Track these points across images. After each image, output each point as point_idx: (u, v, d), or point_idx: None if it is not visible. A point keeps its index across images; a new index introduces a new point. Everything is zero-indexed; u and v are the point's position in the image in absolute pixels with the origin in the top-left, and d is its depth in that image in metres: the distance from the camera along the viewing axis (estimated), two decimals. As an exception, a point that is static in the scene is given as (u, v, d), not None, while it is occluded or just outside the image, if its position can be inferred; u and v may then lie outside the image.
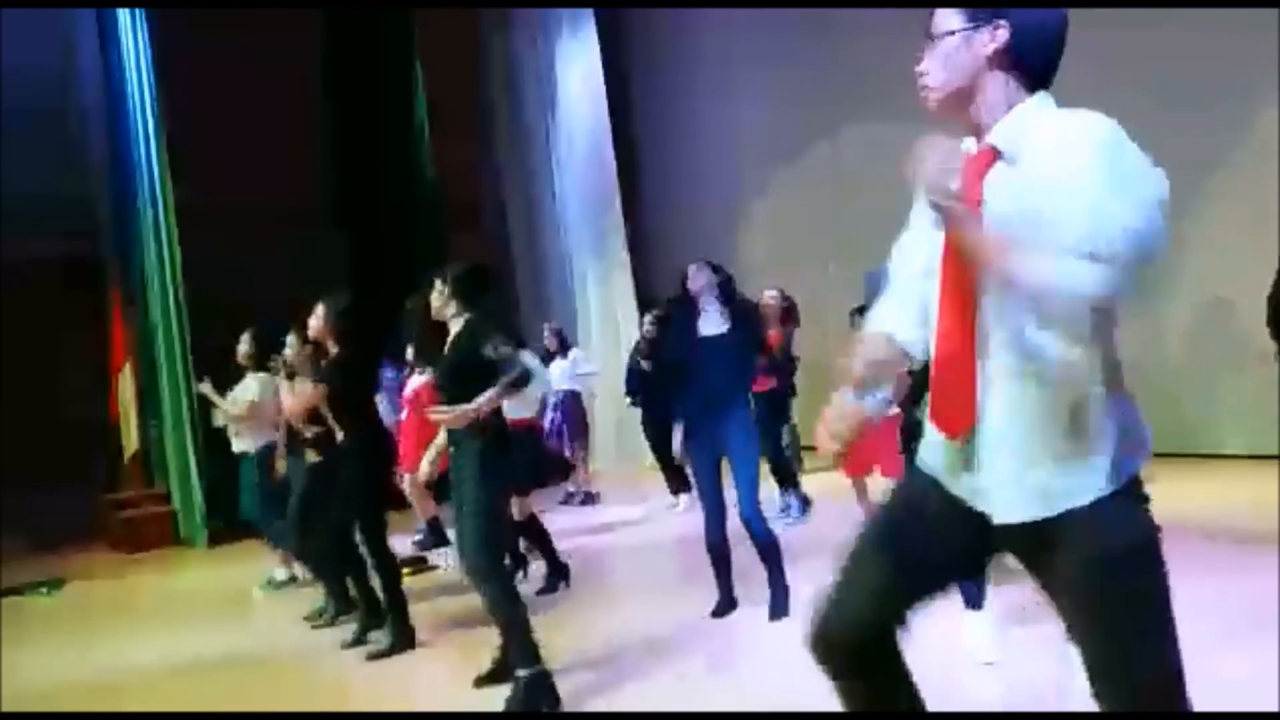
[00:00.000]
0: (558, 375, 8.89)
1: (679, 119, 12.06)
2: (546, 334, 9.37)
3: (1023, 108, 1.84)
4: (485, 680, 4.22)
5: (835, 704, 2.08)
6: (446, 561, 6.68)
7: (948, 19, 1.85)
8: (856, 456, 5.29)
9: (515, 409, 5.10)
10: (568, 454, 9.04)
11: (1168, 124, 7.44)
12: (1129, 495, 1.76)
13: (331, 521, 5.20)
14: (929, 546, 1.92)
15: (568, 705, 3.90)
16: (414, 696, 4.39)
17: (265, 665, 5.17)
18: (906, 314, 1.96)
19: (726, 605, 5.00)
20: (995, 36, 1.81)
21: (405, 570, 6.02)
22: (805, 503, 7.26)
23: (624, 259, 11.65)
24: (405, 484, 7.17)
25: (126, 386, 9.97)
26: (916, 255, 1.94)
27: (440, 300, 4.12)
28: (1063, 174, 1.63)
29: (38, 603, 7.74)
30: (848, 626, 1.94)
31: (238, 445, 6.86)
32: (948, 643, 3.72)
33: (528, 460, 5.77)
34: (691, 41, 11.76)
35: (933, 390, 1.87)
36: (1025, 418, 1.76)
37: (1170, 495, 5.14)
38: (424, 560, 6.91)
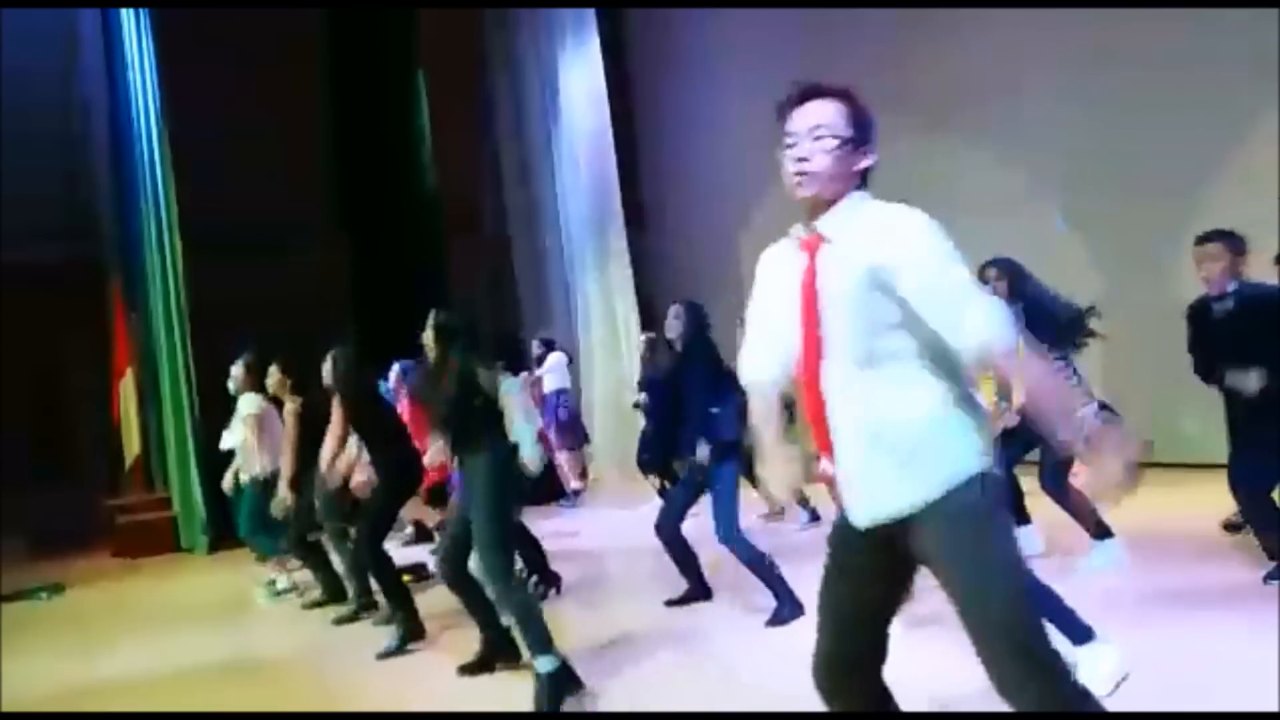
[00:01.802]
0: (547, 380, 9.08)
1: (681, 121, 12.05)
2: (535, 346, 9.46)
3: (849, 202, 2.20)
4: (470, 669, 4.43)
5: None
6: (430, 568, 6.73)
7: (839, 125, 2.18)
8: None
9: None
10: (557, 456, 9.12)
11: (1168, 124, 7.46)
12: (968, 486, 2.09)
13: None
14: (860, 574, 2.24)
15: (570, 701, 3.91)
16: (413, 700, 4.38)
17: (265, 671, 5.16)
18: (767, 353, 2.35)
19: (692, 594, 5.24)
20: (867, 158, 2.22)
21: (405, 577, 6.02)
22: (813, 514, 7.26)
23: (625, 261, 11.64)
24: None
25: (128, 392, 9.96)
26: (773, 311, 2.32)
27: (430, 344, 4.46)
28: (919, 256, 2.08)
29: (37, 607, 7.73)
30: (824, 665, 2.27)
31: (245, 475, 6.86)
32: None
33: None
34: (693, 43, 11.76)
35: (806, 419, 2.25)
36: (873, 436, 2.14)
37: (1176, 506, 5.17)
38: (423, 568, 6.90)
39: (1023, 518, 5.23)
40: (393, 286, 11.09)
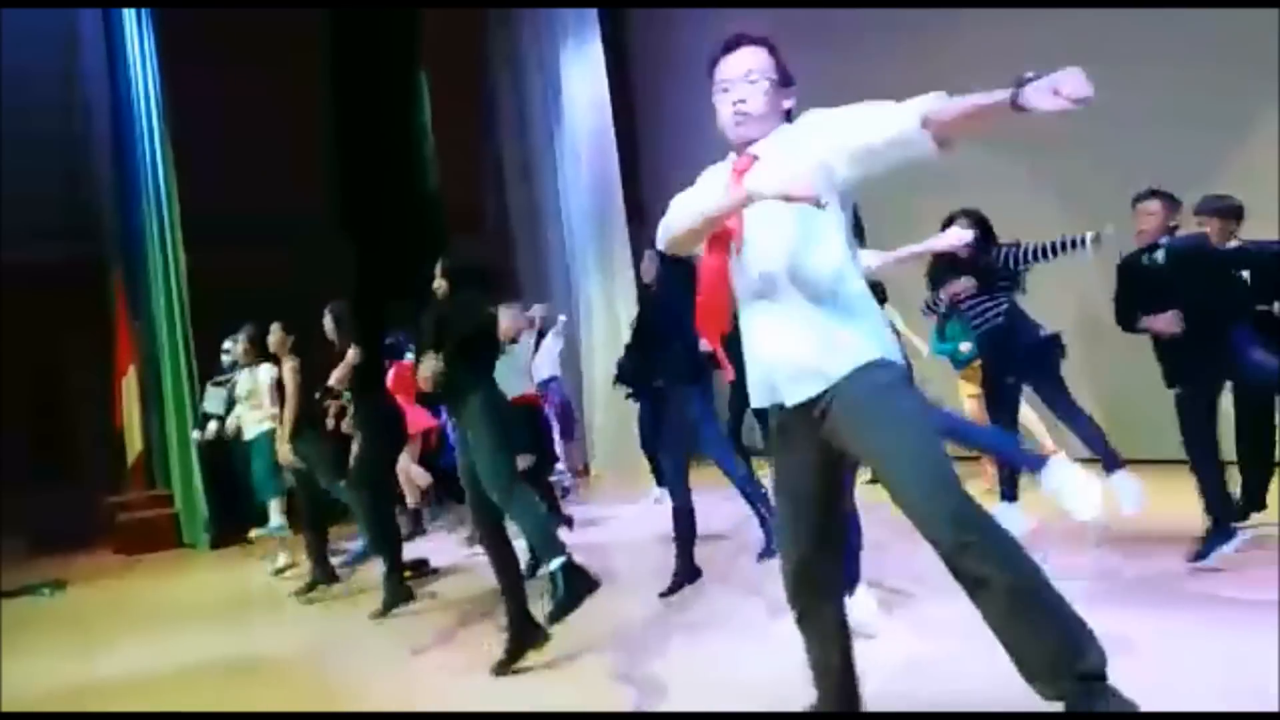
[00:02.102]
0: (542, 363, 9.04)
1: (682, 119, 12.04)
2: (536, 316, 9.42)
3: (777, 131, 2.51)
4: (502, 667, 4.32)
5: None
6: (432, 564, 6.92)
7: (768, 68, 2.51)
8: None
9: (513, 385, 5.50)
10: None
11: (1168, 124, 7.47)
12: (877, 365, 2.34)
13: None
14: (800, 469, 2.48)
15: (570, 701, 3.91)
16: (415, 698, 4.38)
17: (267, 668, 5.16)
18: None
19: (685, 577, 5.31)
20: (790, 97, 2.56)
21: (406, 574, 6.06)
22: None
23: (627, 260, 11.64)
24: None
25: (130, 389, 9.98)
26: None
27: (440, 285, 4.60)
28: (832, 120, 2.42)
29: (39, 604, 7.75)
30: (787, 562, 2.55)
31: (249, 433, 7.33)
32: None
33: (530, 431, 6.24)
34: (695, 42, 11.72)
35: (700, 311, 2.50)
36: (790, 320, 2.38)
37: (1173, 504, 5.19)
38: (425, 563, 6.92)
39: (1012, 493, 5.32)
40: (395, 285, 11.08)
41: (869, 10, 9.22)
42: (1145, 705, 2.24)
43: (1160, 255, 4.81)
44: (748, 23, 10.65)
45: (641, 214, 12.06)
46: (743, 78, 2.46)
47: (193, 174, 9.98)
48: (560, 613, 4.04)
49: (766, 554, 5.19)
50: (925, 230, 4.79)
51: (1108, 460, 5.20)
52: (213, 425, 8.00)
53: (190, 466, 9.55)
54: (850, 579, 4.21)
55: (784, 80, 2.49)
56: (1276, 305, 5.11)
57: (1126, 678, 2.28)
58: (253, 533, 7.70)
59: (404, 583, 5.63)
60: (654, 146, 12.54)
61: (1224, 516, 4.66)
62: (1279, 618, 3.69)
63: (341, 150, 11.76)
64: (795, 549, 2.51)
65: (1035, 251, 5.25)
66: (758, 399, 2.51)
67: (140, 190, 9.76)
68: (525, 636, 4.37)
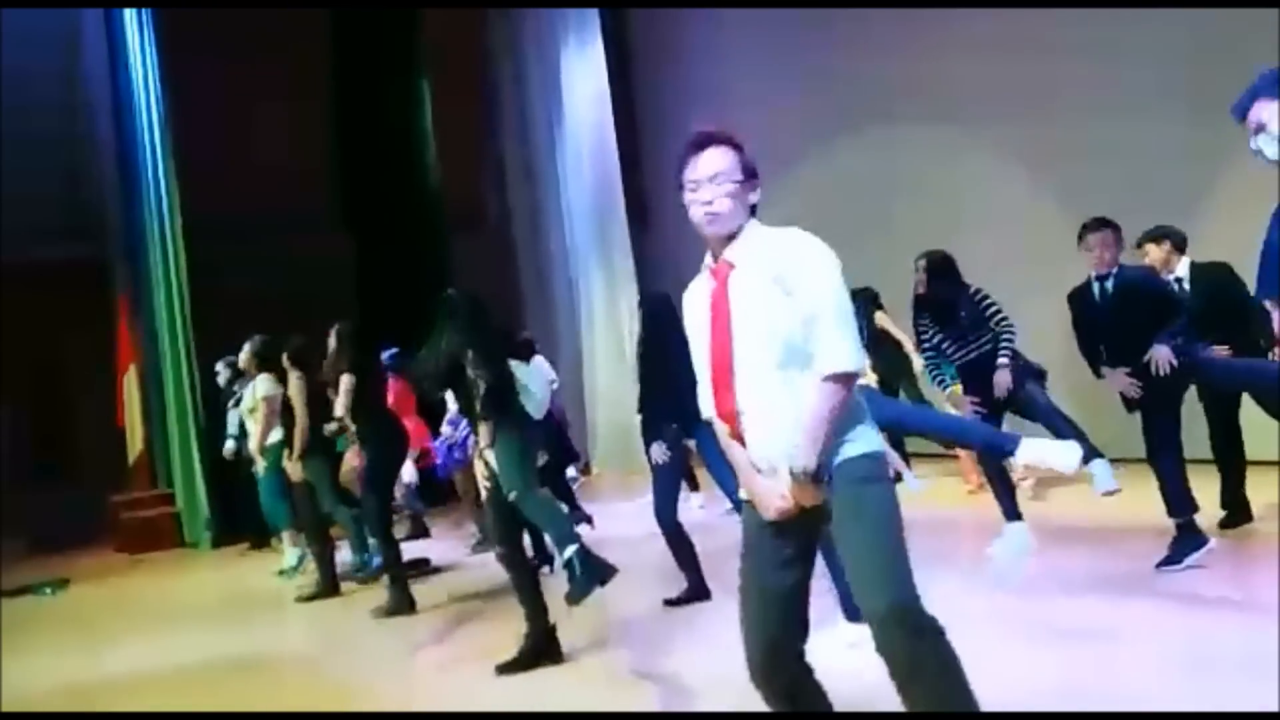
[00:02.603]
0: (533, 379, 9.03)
1: (683, 119, 12.05)
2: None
3: (747, 231, 2.57)
4: (509, 667, 4.35)
5: (834, 682, 2.53)
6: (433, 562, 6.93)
7: (733, 167, 2.54)
8: None
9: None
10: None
11: (1168, 125, 7.47)
12: (861, 460, 2.42)
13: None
14: (776, 551, 2.50)
15: (575, 698, 3.91)
16: (415, 697, 4.39)
17: (268, 667, 5.17)
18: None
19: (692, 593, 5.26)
20: (755, 191, 2.60)
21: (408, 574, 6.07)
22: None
23: (628, 259, 11.65)
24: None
25: (132, 388, 9.99)
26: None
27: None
28: (807, 281, 2.42)
29: (41, 603, 7.76)
30: (759, 654, 2.52)
31: (253, 444, 7.29)
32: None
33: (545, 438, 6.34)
34: (696, 42, 11.77)
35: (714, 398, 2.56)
36: (780, 426, 2.42)
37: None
38: (426, 562, 6.94)
39: (1014, 514, 5.37)
40: (396, 285, 11.09)
41: (868, 10, 9.21)
42: (1139, 701, 2.25)
43: (1110, 284, 4.94)
44: (758, 24, 10.54)
45: (643, 213, 12.08)
46: (709, 180, 2.52)
47: (194, 174, 9.99)
48: (580, 593, 4.16)
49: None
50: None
51: (1008, 512, 5.43)
52: (230, 445, 8.20)
53: (192, 465, 9.56)
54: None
55: (748, 175, 2.57)
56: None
57: (1115, 670, 2.29)
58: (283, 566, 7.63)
59: (408, 590, 5.66)
60: (655, 145, 12.54)
61: (1189, 523, 4.70)
62: (1279, 617, 3.70)
63: (342, 150, 11.76)
64: (764, 635, 2.52)
65: (991, 320, 5.45)
66: (744, 490, 2.58)
67: (141, 190, 9.75)
68: (542, 652, 4.42)
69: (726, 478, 5.12)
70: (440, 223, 11.78)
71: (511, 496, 4.37)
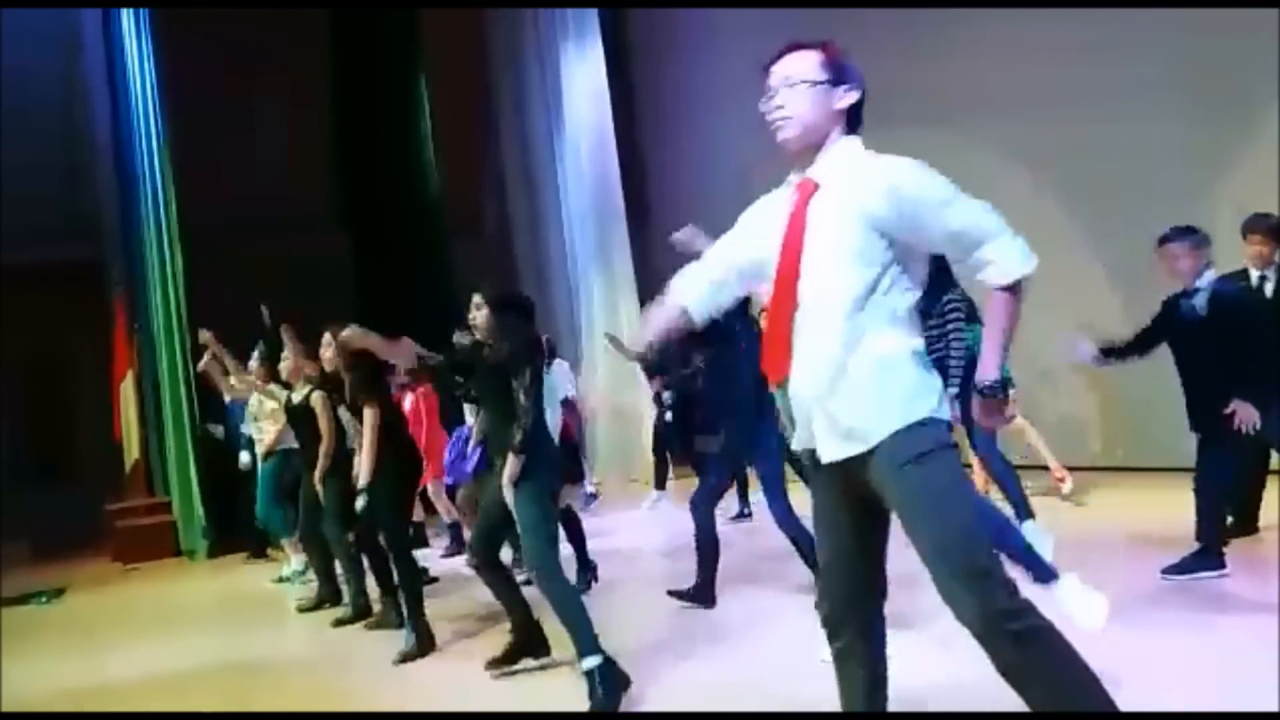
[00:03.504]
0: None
1: (683, 120, 12.01)
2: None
3: (840, 147, 2.34)
4: (498, 662, 4.40)
5: (838, 703, 2.46)
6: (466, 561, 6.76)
7: (810, 68, 2.33)
8: None
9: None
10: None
11: (1169, 125, 7.41)
12: (920, 425, 2.22)
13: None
14: (838, 522, 2.39)
15: (575, 705, 3.89)
16: (413, 705, 4.35)
17: (265, 676, 5.13)
18: (703, 282, 2.55)
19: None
20: (847, 95, 2.34)
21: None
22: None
23: (628, 261, 11.61)
24: (430, 492, 7.51)
25: (128, 395, 9.94)
26: (728, 256, 2.54)
27: (481, 321, 4.44)
28: (928, 200, 2.22)
29: (37, 611, 7.71)
30: (828, 601, 2.44)
31: (261, 448, 7.21)
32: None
33: (568, 462, 6.28)
34: (696, 42, 11.72)
35: (769, 347, 2.37)
36: (839, 372, 2.25)
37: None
38: (425, 570, 6.86)
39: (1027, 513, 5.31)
40: (396, 286, 11.06)
41: (868, 10, 9.15)
42: (1145, 705, 2.21)
43: (1201, 301, 4.58)
44: (758, 25, 10.53)
45: (642, 213, 12.03)
46: (781, 83, 2.35)
47: (192, 176, 9.94)
48: (598, 708, 3.87)
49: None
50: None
51: (1019, 510, 5.32)
52: (245, 458, 8.08)
53: (188, 474, 9.51)
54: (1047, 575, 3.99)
55: (836, 79, 2.33)
56: None
57: (1130, 679, 2.24)
58: (282, 573, 7.56)
59: (428, 630, 5.10)
60: (655, 146, 12.50)
61: (1214, 549, 4.62)
62: (1279, 618, 3.69)
63: (341, 151, 11.73)
64: (833, 589, 2.43)
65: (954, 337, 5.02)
66: (796, 440, 2.41)
67: (140, 192, 9.70)
68: (528, 647, 4.43)
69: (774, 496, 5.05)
70: (439, 225, 11.75)
71: (533, 576, 4.09)
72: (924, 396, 2.26)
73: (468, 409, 7.14)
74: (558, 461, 4.44)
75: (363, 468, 5.10)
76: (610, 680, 3.90)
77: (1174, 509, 5.05)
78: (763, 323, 2.53)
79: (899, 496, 2.23)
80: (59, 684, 5.34)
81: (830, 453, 2.30)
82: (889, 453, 2.22)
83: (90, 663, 5.80)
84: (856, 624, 2.42)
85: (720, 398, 5.23)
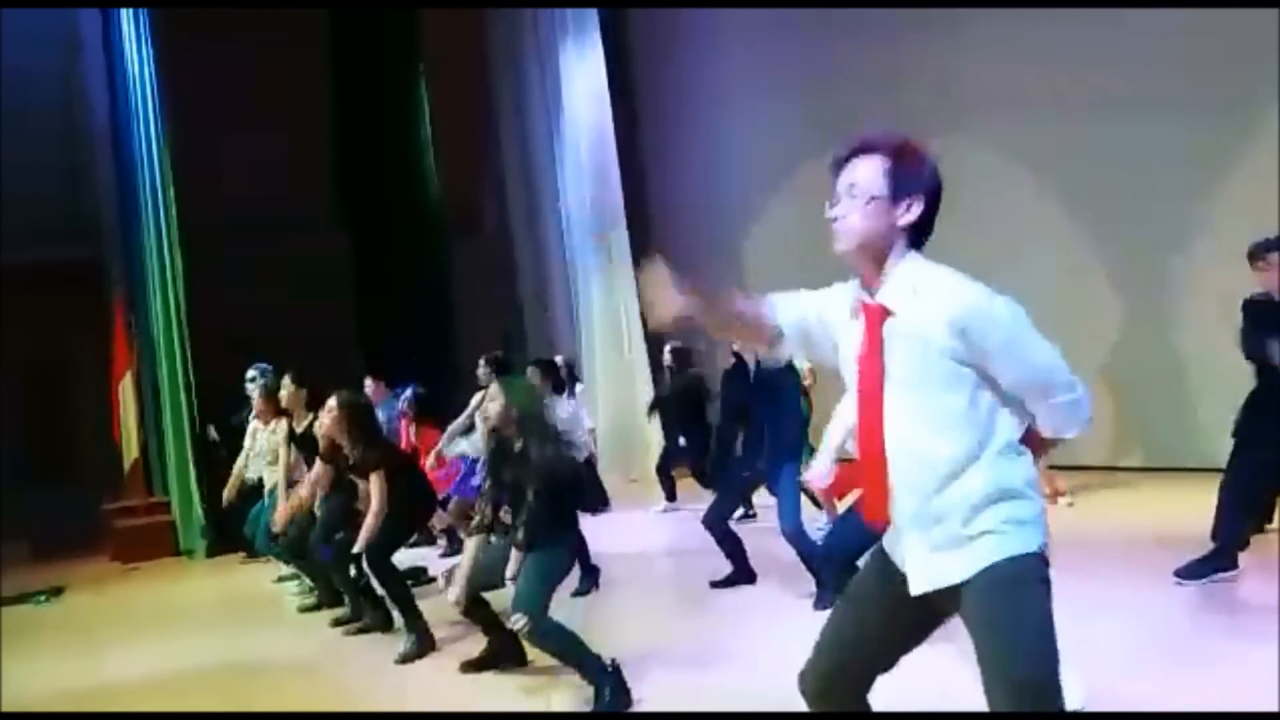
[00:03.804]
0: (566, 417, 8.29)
1: (683, 120, 12.01)
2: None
3: (903, 269, 2.15)
4: (471, 666, 4.52)
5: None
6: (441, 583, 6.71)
7: (874, 179, 2.15)
8: (840, 482, 5.81)
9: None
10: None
11: (1170, 127, 7.41)
12: (1014, 561, 2.08)
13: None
14: (883, 621, 2.24)
15: (583, 701, 3.89)
16: (411, 706, 4.36)
17: (263, 675, 5.12)
18: (808, 319, 2.34)
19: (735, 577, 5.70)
20: (910, 211, 2.15)
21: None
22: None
23: (627, 261, 11.59)
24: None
25: (127, 395, 9.92)
26: (819, 308, 2.33)
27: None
28: (993, 345, 2.07)
29: (36, 611, 7.69)
30: (819, 679, 2.29)
31: (269, 478, 6.93)
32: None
33: (580, 492, 6.23)
34: (696, 43, 11.72)
35: (863, 487, 2.24)
36: (925, 509, 2.12)
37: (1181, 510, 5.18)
38: (424, 571, 6.86)
39: None
40: (396, 286, 11.07)
41: (869, 10, 9.15)
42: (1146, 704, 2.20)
43: None
44: (758, 25, 10.44)
45: (642, 213, 12.03)
46: (846, 191, 2.19)
47: (192, 176, 9.93)
48: (600, 712, 3.89)
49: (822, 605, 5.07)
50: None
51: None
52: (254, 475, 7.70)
53: (187, 473, 9.49)
54: None
55: (897, 193, 2.15)
56: None
57: (1129, 679, 2.24)
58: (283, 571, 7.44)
59: (428, 632, 5.12)
60: (655, 147, 12.50)
61: (1230, 555, 4.58)
62: (1279, 618, 3.67)
63: (341, 151, 11.74)
64: (835, 663, 2.29)
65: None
66: (890, 546, 2.27)
67: (139, 192, 9.68)
68: (505, 656, 4.52)
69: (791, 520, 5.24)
70: (439, 226, 11.76)
71: (520, 624, 3.94)
72: (1036, 529, 2.12)
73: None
74: (571, 549, 4.42)
75: (364, 532, 5.07)
76: (614, 693, 3.90)
77: (1179, 509, 5.04)
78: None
79: (981, 619, 2.09)
80: (58, 684, 5.34)
81: (922, 585, 2.16)
82: (986, 575, 2.08)
83: (89, 662, 5.79)
84: (847, 702, 2.32)
85: (753, 421, 5.57)
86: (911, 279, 2.14)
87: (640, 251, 11.73)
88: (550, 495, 4.11)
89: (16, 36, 10.22)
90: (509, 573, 4.07)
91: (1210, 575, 4.54)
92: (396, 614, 5.48)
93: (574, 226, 11.86)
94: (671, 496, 8.92)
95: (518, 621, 3.93)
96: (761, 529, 6.12)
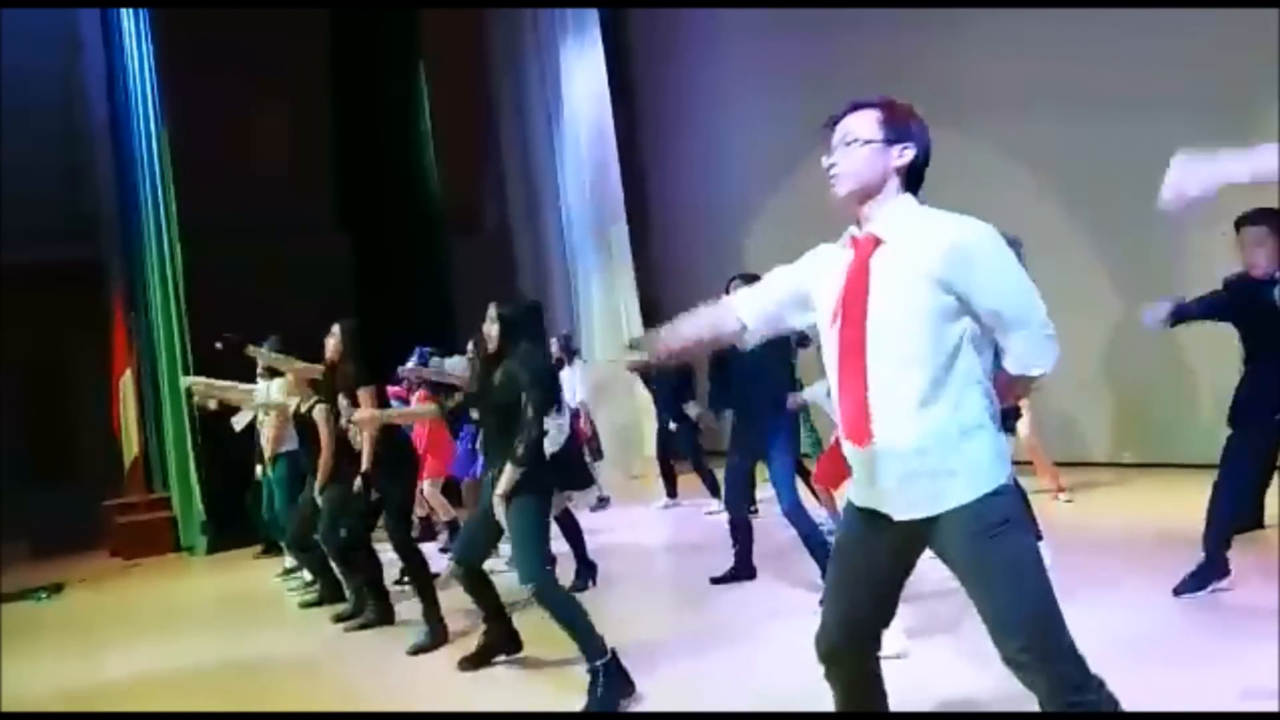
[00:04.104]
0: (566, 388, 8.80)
1: (683, 119, 12.02)
2: (555, 345, 9.28)
3: (897, 205, 2.30)
4: (470, 662, 4.53)
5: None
6: (445, 570, 6.69)
7: (867, 127, 2.31)
8: (826, 470, 5.84)
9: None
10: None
11: (1169, 126, 7.42)
12: (998, 491, 2.20)
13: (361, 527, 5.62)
14: (869, 566, 2.36)
15: (583, 701, 3.90)
16: (413, 702, 4.36)
17: (264, 672, 5.13)
18: (769, 304, 2.54)
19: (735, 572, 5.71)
20: (903, 155, 2.30)
21: (405, 581, 5.98)
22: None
23: (627, 260, 11.61)
24: (425, 491, 7.33)
25: (127, 392, 9.94)
26: (790, 284, 2.51)
27: (491, 334, 4.35)
28: (983, 265, 2.19)
29: (36, 608, 7.70)
30: (825, 633, 2.43)
31: (269, 450, 7.08)
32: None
33: (564, 465, 6.00)
34: (696, 43, 11.73)
35: (844, 412, 2.32)
36: (914, 438, 2.21)
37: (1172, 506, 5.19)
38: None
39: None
40: (395, 285, 11.06)
41: (869, 10, 9.16)
42: (1151, 704, 2.22)
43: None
44: (758, 25, 10.44)
45: (642, 213, 12.04)
46: (839, 141, 2.34)
47: (192, 175, 9.93)
48: (596, 710, 3.88)
49: None
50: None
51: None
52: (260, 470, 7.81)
53: (187, 469, 9.50)
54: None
55: (893, 138, 2.30)
56: None
57: (1132, 676, 2.26)
58: (287, 564, 7.51)
59: (442, 622, 5.16)
60: (655, 146, 12.51)
61: (1220, 560, 4.53)
62: (1279, 620, 3.69)
63: (341, 151, 11.73)
64: (841, 614, 2.41)
65: None
66: (858, 497, 2.37)
67: (139, 191, 9.69)
68: (500, 645, 4.56)
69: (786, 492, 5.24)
70: (439, 224, 11.75)
71: (528, 590, 4.03)
72: (1000, 464, 2.23)
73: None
74: (551, 473, 4.38)
75: (367, 446, 5.20)
76: (612, 681, 3.90)
77: (1179, 505, 5.05)
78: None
79: (970, 566, 2.22)
80: (58, 682, 5.34)
81: (900, 512, 2.26)
82: (963, 520, 2.19)
83: (89, 660, 5.80)
84: (859, 658, 2.44)
85: (740, 397, 5.48)
86: (904, 212, 2.29)
87: (640, 249, 11.76)
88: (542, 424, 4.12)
89: (16, 36, 10.22)
90: (500, 489, 4.09)
91: (1208, 588, 4.52)
92: (399, 608, 5.58)
93: (574, 225, 11.87)
94: (672, 493, 8.93)
95: (526, 588, 4.03)
96: (761, 524, 6.11)
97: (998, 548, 2.18)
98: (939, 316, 2.18)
